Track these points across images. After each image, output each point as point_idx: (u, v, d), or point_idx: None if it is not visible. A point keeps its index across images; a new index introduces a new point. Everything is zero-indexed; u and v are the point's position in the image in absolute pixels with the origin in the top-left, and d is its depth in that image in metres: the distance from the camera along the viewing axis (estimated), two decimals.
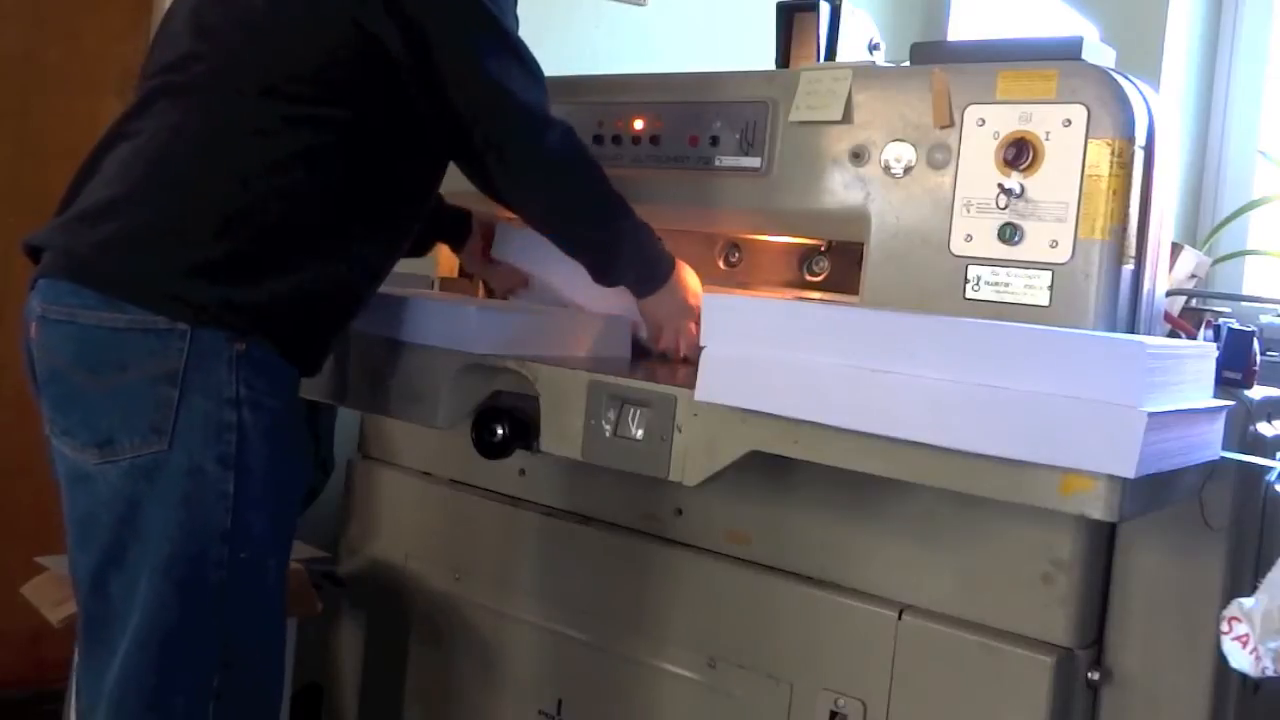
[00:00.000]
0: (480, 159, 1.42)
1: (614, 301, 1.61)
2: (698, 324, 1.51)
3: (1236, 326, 1.32)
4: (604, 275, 1.53)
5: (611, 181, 1.50)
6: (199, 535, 1.27)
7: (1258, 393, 1.32)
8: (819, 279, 1.70)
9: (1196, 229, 3.48)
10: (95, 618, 1.32)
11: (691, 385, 1.25)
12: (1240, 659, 1.04)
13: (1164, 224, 1.39)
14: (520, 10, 1.48)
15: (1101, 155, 1.29)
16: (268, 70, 1.31)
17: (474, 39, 1.37)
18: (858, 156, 1.47)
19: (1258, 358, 1.33)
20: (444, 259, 1.92)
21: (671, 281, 1.55)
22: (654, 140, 1.67)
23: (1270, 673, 1.04)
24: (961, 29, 3.47)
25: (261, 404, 1.30)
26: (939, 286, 1.38)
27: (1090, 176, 1.30)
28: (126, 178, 1.31)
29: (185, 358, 1.26)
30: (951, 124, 1.38)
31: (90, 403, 1.28)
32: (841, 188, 1.48)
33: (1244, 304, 2.11)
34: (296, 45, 1.32)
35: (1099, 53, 1.36)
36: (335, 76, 1.32)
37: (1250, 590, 1.08)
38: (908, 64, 1.49)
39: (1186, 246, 2.06)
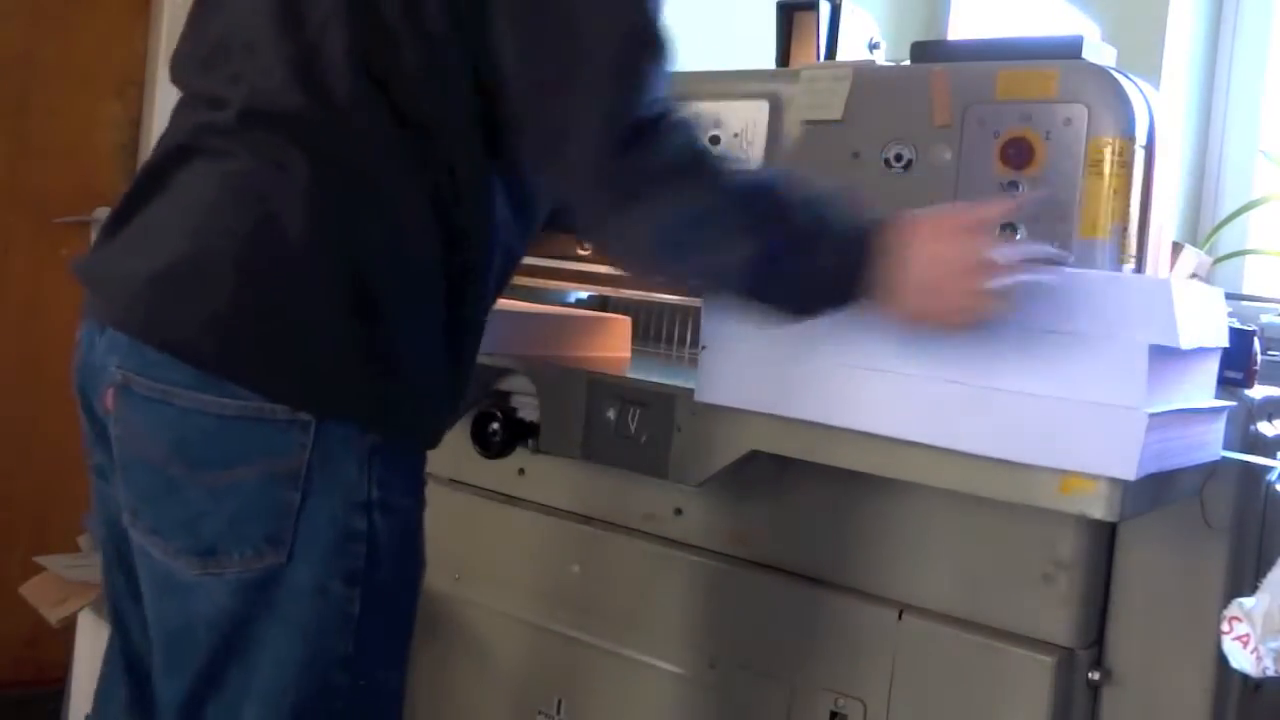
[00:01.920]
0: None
1: None
2: (979, 275, 1.04)
3: (1237, 326, 1.32)
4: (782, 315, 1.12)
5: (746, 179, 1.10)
6: (318, 664, 1.08)
7: (1259, 392, 1.32)
8: None
9: (1197, 228, 3.49)
10: None
11: (692, 385, 1.25)
12: (1241, 659, 1.04)
13: (1165, 223, 1.39)
14: None
15: (1102, 154, 1.29)
16: (391, 98, 1.07)
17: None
18: (858, 155, 1.46)
19: (1259, 357, 1.33)
20: None
21: (895, 273, 1.05)
22: None
23: (1271, 673, 1.04)
24: (962, 28, 3.47)
25: (395, 506, 1.10)
26: None
27: (1091, 176, 1.30)
28: (225, 234, 1.06)
29: (309, 455, 1.04)
30: (951, 123, 1.38)
31: (190, 502, 1.06)
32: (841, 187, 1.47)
33: (1245, 303, 2.11)
34: (411, 51, 1.07)
35: (1099, 52, 1.36)
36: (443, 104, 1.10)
37: (1251, 590, 1.08)
38: (908, 63, 1.48)
39: (1187, 246, 2.06)
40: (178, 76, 1.21)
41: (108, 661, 1.30)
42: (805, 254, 1.05)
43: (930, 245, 1.05)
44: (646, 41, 1.08)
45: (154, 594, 1.13)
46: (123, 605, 1.27)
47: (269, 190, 1.06)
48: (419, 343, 1.10)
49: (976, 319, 1.05)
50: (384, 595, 1.12)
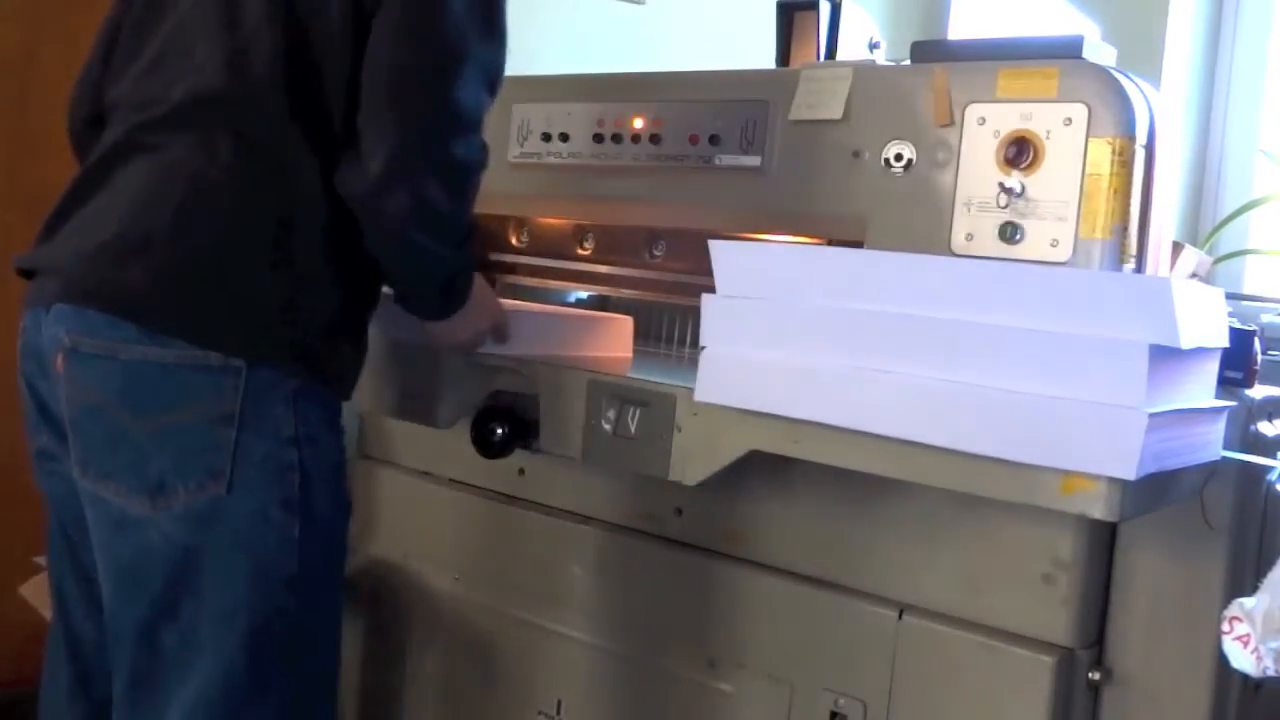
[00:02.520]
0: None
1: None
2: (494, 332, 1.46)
3: (1238, 326, 1.32)
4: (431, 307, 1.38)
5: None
6: (265, 584, 1.21)
7: (1259, 392, 1.32)
8: None
9: (1197, 228, 3.49)
10: (141, 673, 1.23)
11: (692, 385, 1.24)
12: (1241, 659, 1.04)
13: (1165, 223, 1.39)
14: (521, 8, 1.47)
15: (1102, 154, 1.29)
16: (304, 91, 1.24)
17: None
18: (858, 155, 1.46)
19: (1259, 357, 1.32)
20: None
21: (472, 299, 1.39)
22: (654, 139, 1.66)
23: (1271, 673, 1.03)
24: (962, 27, 3.47)
25: (319, 441, 1.25)
26: None
27: (1091, 175, 1.30)
28: (160, 207, 1.21)
29: (241, 396, 1.18)
30: (952, 123, 1.38)
31: (137, 445, 1.18)
32: (841, 187, 1.48)
33: (1245, 303, 2.11)
34: (329, 59, 1.25)
35: (1100, 51, 1.36)
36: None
37: (1251, 590, 1.08)
38: (908, 62, 1.48)
39: (1187, 245, 2.05)
40: (110, 96, 1.35)
41: (51, 645, 1.40)
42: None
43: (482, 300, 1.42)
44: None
45: (107, 535, 1.24)
46: (67, 589, 1.37)
47: (200, 169, 1.21)
48: (328, 297, 1.26)
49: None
50: (319, 522, 1.24)
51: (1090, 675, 1.29)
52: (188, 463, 1.18)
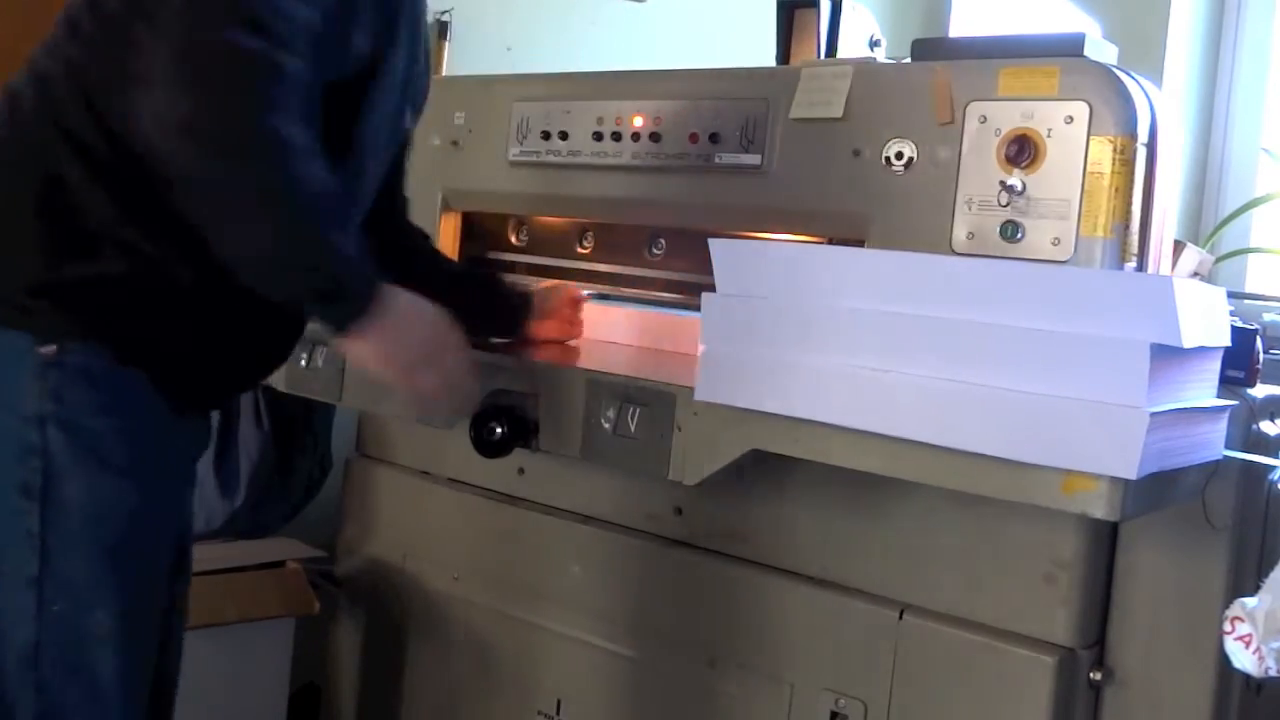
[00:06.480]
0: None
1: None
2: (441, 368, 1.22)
3: (1239, 325, 1.31)
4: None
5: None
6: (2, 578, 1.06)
7: (1261, 391, 1.32)
8: None
9: (1199, 226, 3.48)
10: None
11: (692, 384, 1.24)
12: (1243, 659, 1.04)
13: (1166, 221, 1.38)
14: (521, 6, 1.46)
15: (1104, 152, 1.29)
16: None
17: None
18: (858, 154, 1.46)
19: (1260, 356, 1.32)
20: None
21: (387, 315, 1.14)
22: (654, 137, 1.66)
23: (1273, 673, 1.03)
24: (963, 25, 3.47)
25: (78, 424, 1.06)
26: None
27: (1092, 174, 1.29)
28: None
29: None
30: (953, 121, 1.38)
31: None
32: (842, 185, 1.47)
33: (1247, 302, 2.11)
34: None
35: (1101, 49, 1.36)
36: None
37: (1253, 590, 1.07)
38: (909, 60, 1.48)
39: (1189, 244, 2.05)
40: None
41: None
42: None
43: (415, 319, 1.17)
44: None
45: None
46: None
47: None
48: (95, 252, 1.07)
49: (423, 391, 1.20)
50: (73, 518, 1.06)
51: (1091, 675, 1.29)
52: None
